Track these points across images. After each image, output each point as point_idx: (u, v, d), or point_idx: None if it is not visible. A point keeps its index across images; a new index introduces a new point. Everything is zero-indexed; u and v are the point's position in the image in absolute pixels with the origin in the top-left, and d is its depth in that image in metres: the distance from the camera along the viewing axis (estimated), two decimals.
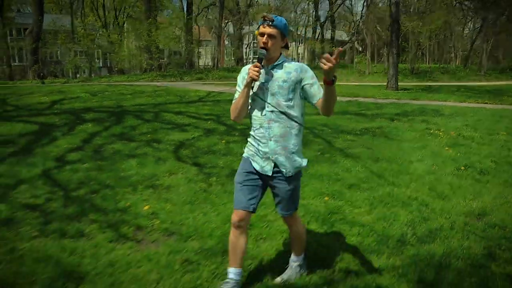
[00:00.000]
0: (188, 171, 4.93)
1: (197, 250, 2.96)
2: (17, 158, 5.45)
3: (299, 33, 37.91)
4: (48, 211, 3.66)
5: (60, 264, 2.75)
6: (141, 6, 36.79)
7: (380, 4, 36.05)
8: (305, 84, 2.34)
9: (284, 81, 2.34)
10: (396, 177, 4.84)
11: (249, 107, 2.42)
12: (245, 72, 2.39)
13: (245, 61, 42.51)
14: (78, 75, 31.65)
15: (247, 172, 2.44)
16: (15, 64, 37.03)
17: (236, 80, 2.48)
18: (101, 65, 45.06)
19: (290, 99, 2.34)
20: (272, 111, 2.34)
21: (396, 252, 3.04)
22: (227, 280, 2.44)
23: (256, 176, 2.43)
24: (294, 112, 2.36)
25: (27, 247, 2.99)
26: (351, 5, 44.53)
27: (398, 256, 2.98)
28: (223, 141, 6.39)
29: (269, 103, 2.34)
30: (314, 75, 2.38)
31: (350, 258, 2.92)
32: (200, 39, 38.60)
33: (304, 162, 2.44)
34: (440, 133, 7.52)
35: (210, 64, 40.24)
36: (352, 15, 44.23)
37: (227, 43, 41.80)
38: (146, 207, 3.75)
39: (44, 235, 3.19)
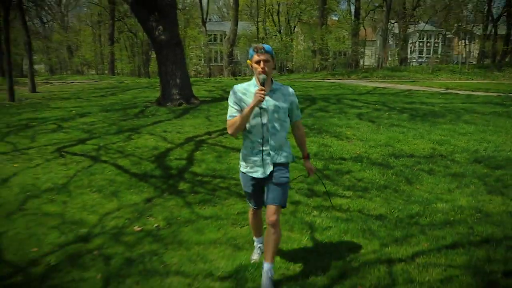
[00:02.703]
0: (366, 124, 8.96)
1: (371, 145, 7.02)
2: None
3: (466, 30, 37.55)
4: None
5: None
6: (313, 11, 41.84)
7: None
8: (293, 107, 2.94)
9: (284, 101, 2.84)
10: (497, 134, 7.94)
11: (249, 123, 2.80)
12: (241, 92, 2.80)
13: (408, 61, 43.88)
14: None
15: (251, 183, 2.95)
16: (212, 64, 46.49)
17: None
18: None
19: (286, 116, 2.90)
20: (273, 126, 2.82)
21: (472, 157, 6.53)
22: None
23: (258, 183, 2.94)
24: (287, 125, 2.92)
25: None
26: None
27: (474, 157, 6.47)
28: (387, 113, 10.19)
29: (270, 119, 2.79)
30: (297, 100, 2.97)
31: (454, 155, 6.58)
32: (365, 40, 41.90)
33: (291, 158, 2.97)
34: None
35: (374, 63, 42.99)
36: None
37: (391, 43, 43.78)
38: (349, 132, 7.99)
39: None
